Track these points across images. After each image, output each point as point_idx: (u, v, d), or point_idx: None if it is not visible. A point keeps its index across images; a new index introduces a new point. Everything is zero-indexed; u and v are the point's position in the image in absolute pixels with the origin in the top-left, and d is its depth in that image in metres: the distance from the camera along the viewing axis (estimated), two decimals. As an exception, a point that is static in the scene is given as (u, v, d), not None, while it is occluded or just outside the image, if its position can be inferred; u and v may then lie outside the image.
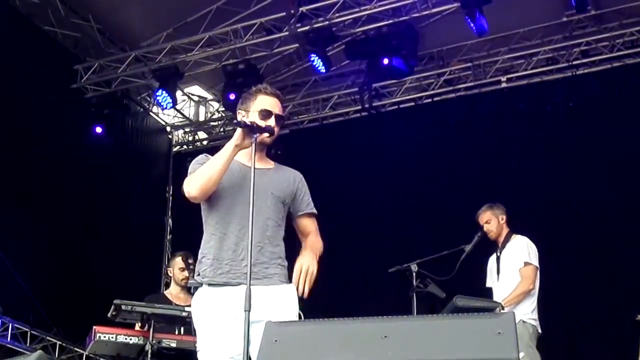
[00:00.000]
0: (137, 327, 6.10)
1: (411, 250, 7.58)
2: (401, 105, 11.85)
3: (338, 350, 2.75)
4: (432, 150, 11.02)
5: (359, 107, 11.84)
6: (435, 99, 11.65)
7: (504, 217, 7.45)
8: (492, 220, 7.40)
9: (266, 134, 4.12)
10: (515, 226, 7.53)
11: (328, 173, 11.29)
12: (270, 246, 4.11)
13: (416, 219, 10.74)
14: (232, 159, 4.05)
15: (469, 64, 11.34)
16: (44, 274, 10.10)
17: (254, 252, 3.84)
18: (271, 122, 4.22)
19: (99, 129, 11.22)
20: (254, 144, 4.03)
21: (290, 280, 3.99)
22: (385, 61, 9.90)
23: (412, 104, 11.82)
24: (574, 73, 10.78)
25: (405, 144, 11.11)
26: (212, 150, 13.24)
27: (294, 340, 2.81)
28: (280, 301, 3.93)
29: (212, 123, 13.58)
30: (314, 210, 4.34)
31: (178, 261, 6.95)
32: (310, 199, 4.35)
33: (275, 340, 2.78)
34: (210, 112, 13.56)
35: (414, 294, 6.49)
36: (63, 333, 11.05)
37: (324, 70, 10.31)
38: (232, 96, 10.60)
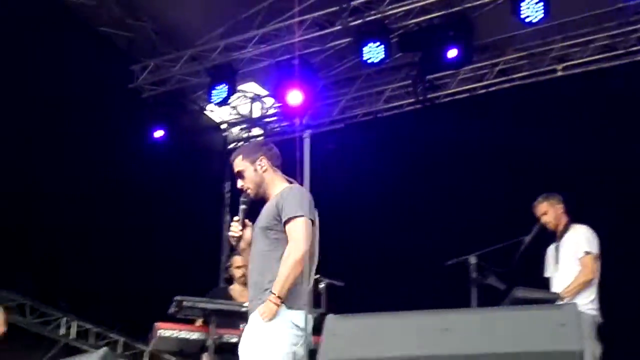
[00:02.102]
0: (199, 322, 6.15)
1: (469, 242, 7.53)
2: (456, 97, 11.76)
3: (398, 344, 2.75)
4: (488, 140, 10.91)
5: (413, 100, 11.80)
6: (490, 89, 11.54)
7: (561, 206, 7.33)
8: (549, 211, 7.29)
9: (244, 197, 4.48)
10: (579, 213, 7.41)
11: (382, 166, 11.30)
12: (258, 276, 4.29)
13: (474, 210, 10.66)
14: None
15: (524, 53, 11.21)
16: (106, 272, 10.27)
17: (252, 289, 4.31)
18: (239, 183, 4.53)
19: (157, 132, 11.37)
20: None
21: None
22: (441, 52, 9.85)
23: (467, 94, 11.73)
24: (631, 60, 10.59)
25: (460, 135, 11.04)
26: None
27: (354, 333, 2.82)
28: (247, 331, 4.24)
29: (266, 119, 13.64)
30: (289, 216, 4.28)
31: (236, 259, 6.99)
32: (291, 205, 4.31)
33: (336, 334, 2.79)
34: (265, 109, 13.62)
35: (473, 287, 6.43)
36: (125, 330, 11.24)
37: (378, 61, 10.25)
38: (293, 97, 10.65)
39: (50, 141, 9.91)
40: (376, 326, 2.86)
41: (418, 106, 11.75)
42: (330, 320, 2.87)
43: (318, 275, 6.30)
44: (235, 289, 6.86)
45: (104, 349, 3.20)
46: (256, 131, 13.86)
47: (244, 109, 13.59)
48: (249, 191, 4.49)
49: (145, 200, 11.24)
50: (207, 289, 7.29)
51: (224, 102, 11.31)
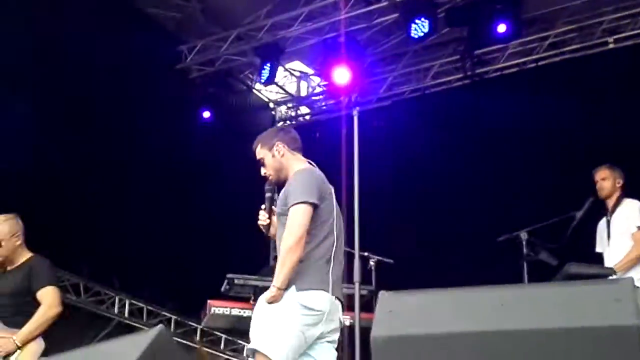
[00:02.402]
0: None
1: (520, 218, 7.46)
2: (504, 72, 11.63)
3: (452, 320, 2.75)
4: (537, 115, 10.78)
5: (461, 75, 11.70)
6: (539, 63, 11.38)
7: (621, 181, 7.22)
8: (608, 179, 7.18)
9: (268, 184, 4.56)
10: (629, 190, 7.30)
11: (431, 143, 11.23)
12: (275, 261, 4.36)
13: (524, 186, 10.56)
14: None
15: (574, 26, 11.03)
16: (158, 251, 10.40)
17: None
18: (262, 171, 4.62)
19: (205, 113, 11.44)
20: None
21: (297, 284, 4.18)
22: (489, 27, 9.74)
23: (516, 69, 11.59)
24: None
25: (509, 110, 10.91)
26: (315, 124, 13.39)
27: (409, 310, 2.82)
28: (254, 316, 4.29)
29: (314, 97, 13.65)
30: (290, 204, 4.29)
31: None
32: (292, 193, 4.32)
33: (390, 311, 2.80)
34: (312, 87, 13.63)
35: (525, 263, 6.39)
36: (177, 308, 11.39)
37: (423, 36, 10.15)
38: (340, 76, 10.64)
39: (98, 122, 10.02)
40: (429, 303, 2.86)
41: (466, 82, 11.64)
42: (384, 297, 2.87)
43: (367, 253, 6.32)
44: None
45: (160, 326, 3.24)
46: (303, 109, 13.89)
47: (291, 88, 13.61)
48: (271, 177, 4.55)
49: (195, 180, 11.33)
50: (258, 267, 7.34)
51: (269, 81, 11.32)
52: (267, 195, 4.56)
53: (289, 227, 4.21)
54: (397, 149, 11.56)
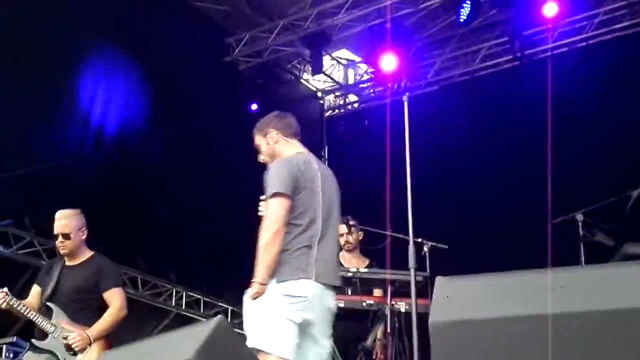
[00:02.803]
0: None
1: (575, 199, 7.37)
2: (554, 52, 11.47)
3: (510, 303, 2.73)
4: (589, 95, 10.63)
5: (511, 57, 11.57)
6: (590, 42, 11.20)
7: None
8: None
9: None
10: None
11: (482, 126, 11.15)
12: None
13: (578, 166, 10.42)
14: None
15: (624, 2, 10.83)
16: (213, 243, 10.50)
17: None
18: (259, 158, 4.67)
19: (254, 105, 11.50)
20: None
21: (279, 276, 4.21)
22: (537, 7, 9.62)
23: (566, 49, 11.42)
24: None
25: (560, 91, 10.76)
26: (363, 112, 13.33)
27: (467, 295, 2.81)
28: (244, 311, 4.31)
29: (361, 85, 13.63)
30: (266, 196, 4.34)
31: (340, 227, 7.02)
32: (267, 185, 4.35)
33: (447, 296, 2.79)
34: (359, 75, 13.60)
35: (581, 244, 6.32)
36: (232, 299, 11.48)
37: (467, 19, 10.05)
38: (387, 63, 10.62)
39: (149, 116, 10.12)
40: (487, 287, 2.84)
41: (515, 63, 11.50)
42: (440, 282, 2.86)
43: (420, 239, 6.30)
44: (343, 256, 6.91)
45: (219, 316, 3.27)
46: (351, 98, 13.87)
47: (339, 76, 13.61)
48: (267, 164, 4.55)
49: (246, 172, 11.37)
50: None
51: (317, 71, 11.34)
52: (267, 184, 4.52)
53: (265, 222, 4.23)
54: (447, 134, 11.50)
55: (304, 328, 4.22)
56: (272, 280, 4.15)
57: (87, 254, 5.68)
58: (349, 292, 6.13)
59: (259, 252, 4.19)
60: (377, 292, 6.22)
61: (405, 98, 4.87)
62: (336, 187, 4.60)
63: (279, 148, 4.55)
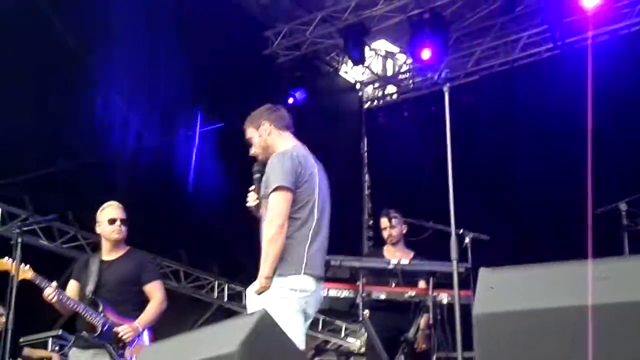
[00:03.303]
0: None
1: (618, 189, 7.29)
2: (596, 40, 11.32)
3: (555, 295, 2.71)
4: (632, 83, 10.48)
5: (551, 46, 11.45)
6: (632, 29, 11.04)
7: None
8: None
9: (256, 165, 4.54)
10: None
11: (522, 117, 11.06)
12: (262, 245, 4.34)
13: (622, 155, 10.30)
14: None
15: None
16: (253, 236, 10.52)
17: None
18: (250, 151, 4.63)
19: (294, 97, 11.52)
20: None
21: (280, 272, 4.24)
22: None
23: (607, 37, 11.26)
24: None
25: (602, 78, 10.63)
26: (403, 103, 13.25)
27: (510, 286, 2.79)
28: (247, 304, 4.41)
29: (400, 76, 13.59)
30: (268, 190, 4.32)
31: (382, 221, 7.02)
32: (269, 178, 4.34)
33: (491, 287, 2.78)
34: (398, 66, 13.56)
35: (625, 234, 6.25)
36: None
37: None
38: (426, 54, 10.60)
39: (187, 108, 10.18)
40: (531, 278, 2.83)
41: (556, 52, 11.38)
42: (484, 273, 2.85)
43: (462, 230, 6.27)
44: (388, 249, 6.92)
45: (262, 309, 3.30)
46: (390, 89, 13.83)
47: (377, 67, 13.57)
48: (259, 157, 4.56)
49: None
50: (351, 247, 7.37)
51: (357, 62, 11.34)
52: (256, 176, 4.55)
53: (269, 216, 4.23)
54: (487, 124, 11.42)
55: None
56: (275, 274, 4.18)
57: (125, 247, 5.74)
58: (392, 284, 6.13)
59: (263, 247, 4.21)
60: (420, 284, 6.22)
61: (445, 88, 4.84)
62: (327, 182, 4.65)
63: (272, 140, 4.55)
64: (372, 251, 6.84)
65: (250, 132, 4.60)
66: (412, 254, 6.75)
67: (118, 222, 5.61)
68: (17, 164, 8.56)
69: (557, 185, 10.50)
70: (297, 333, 4.09)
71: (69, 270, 8.63)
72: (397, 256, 6.69)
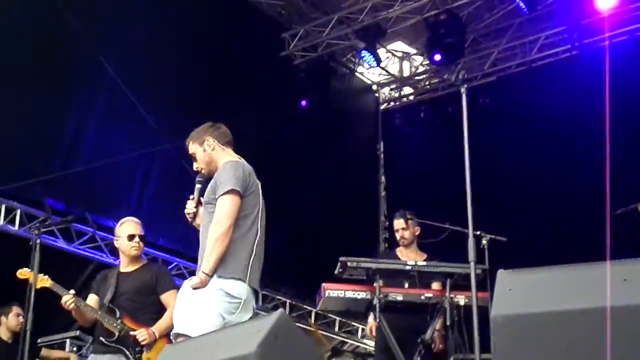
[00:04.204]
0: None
1: (635, 190, 7.26)
2: (614, 40, 11.26)
3: (575, 296, 2.71)
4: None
5: (568, 47, 11.40)
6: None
7: None
8: None
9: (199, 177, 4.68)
10: None
11: (539, 118, 11.02)
12: (200, 249, 4.49)
13: (638, 156, 10.24)
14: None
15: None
16: (270, 237, 10.54)
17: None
18: (194, 166, 4.74)
19: (310, 98, 11.54)
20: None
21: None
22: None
23: (625, 37, 11.20)
24: None
25: (619, 79, 10.57)
26: (419, 104, 13.18)
27: (528, 288, 2.79)
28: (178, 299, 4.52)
29: (417, 77, 13.57)
30: (219, 193, 4.43)
31: (396, 223, 7.03)
32: (221, 182, 4.46)
33: (509, 289, 2.78)
34: (415, 67, 13.54)
35: (644, 235, 6.22)
36: (291, 292, 11.54)
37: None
38: (437, 57, 10.62)
39: (205, 111, 10.19)
40: (549, 279, 2.82)
41: (574, 53, 11.33)
42: (502, 275, 2.85)
43: (479, 232, 6.26)
44: (400, 250, 6.92)
45: (280, 310, 3.32)
46: (407, 90, 13.82)
47: (394, 69, 13.56)
48: (202, 171, 4.69)
49: (303, 166, 11.43)
50: (367, 248, 7.36)
51: (375, 64, 11.33)
52: (198, 186, 4.70)
53: (218, 217, 4.35)
54: (504, 125, 11.39)
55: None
56: (213, 275, 4.29)
57: (143, 261, 5.90)
58: (405, 285, 6.14)
59: (208, 245, 4.31)
60: (436, 286, 6.21)
61: (463, 89, 4.83)
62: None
63: (217, 155, 4.68)
64: (386, 253, 6.83)
65: (194, 148, 4.73)
66: (425, 256, 6.75)
67: (137, 238, 5.75)
68: (36, 165, 8.61)
69: (575, 186, 10.46)
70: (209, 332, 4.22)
71: (87, 272, 8.74)
72: (410, 257, 6.69)
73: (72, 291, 5.57)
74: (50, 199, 8.69)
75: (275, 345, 3.10)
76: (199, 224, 4.62)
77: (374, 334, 6.50)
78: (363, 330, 12.47)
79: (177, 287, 5.89)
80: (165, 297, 5.70)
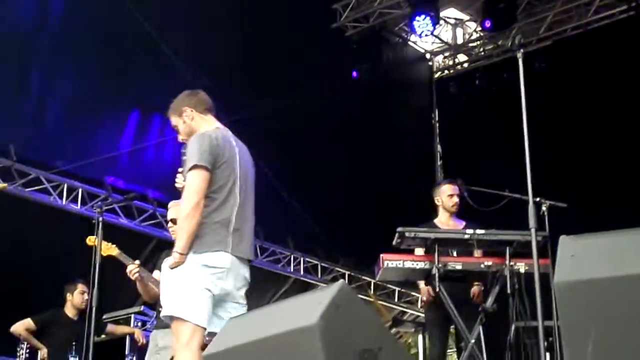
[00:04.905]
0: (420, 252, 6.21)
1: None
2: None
3: (638, 260, 2.67)
4: None
5: (625, 7, 11.15)
6: None
7: None
8: None
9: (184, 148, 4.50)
10: None
11: (598, 81, 10.83)
12: None
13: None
14: None
15: None
16: (328, 208, 10.61)
17: None
18: (179, 138, 4.66)
19: (363, 68, 11.49)
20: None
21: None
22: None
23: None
24: None
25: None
26: (474, 72, 13.01)
27: (592, 253, 2.75)
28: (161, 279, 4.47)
29: (471, 44, 13.41)
30: (186, 169, 4.36)
31: (445, 189, 6.99)
32: (188, 157, 4.37)
33: (572, 255, 2.75)
34: (468, 34, 13.38)
35: None
36: (349, 264, 11.59)
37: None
38: (487, 23, 10.48)
39: (260, 86, 10.22)
40: (614, 244, 2.78)
41: (631, 13, 11.08)
42: (565, 241, 2.81)
43: (539, 198, 6.19)
44: (440, 219, 6.89)
45: (341, 281, 3.33)
46: (461, 57, 13.68)
47: (447, 36, 13.42)
48: (187, 142, 4.57)
49: (356, 136, 11.42)
50: (424, 218, 7.33)
51: (428, 32, 11.22)
52: (184, 158, 4.55)
53: (185, 193, 4.31)
54: (561, 90, 11.21)
55: (222, 297, 4.34)
56: (190, 252, 4.25)
57: None
58: (454, 254, 6.13)
59: (179, 223, 4.32)
60: (476, 254, 6.18)
61: (519, 54, 4.77)
62: (252, 162, 4.66)
63: (197, 125, 4.59)
64: (425, 225, 6.77)
65: (175, 121, 4.66)
66: (464, 223, 6.73)
67: (170, 224, 5.78)
68: (96, 144, 8.76)
69: (634, 151, 10.28)
70: (201, 309, 4.22)
71: (148, 248, 8.89)
72: (450, 225, 6.70)
73: (137, 261, 5.66)
74: (110, 177, 8.84)
75: (338, 316, 3.11)
76: None
77: (432, 293, 6.44)
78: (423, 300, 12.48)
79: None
80: None
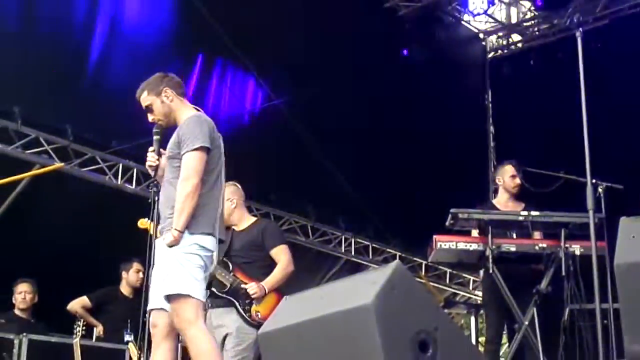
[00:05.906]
0: (474, 233, 6.18)
1: None
2: None
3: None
4: None
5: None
6: None
7: None
8: None
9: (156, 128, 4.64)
10: None
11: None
12: (162, 206, 4.50)
13: None
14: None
15: None
16: (379, 190, 10.60)
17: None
18: (149, 117, 4.67)
19: (416, 48, 11.43)
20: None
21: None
22: None
23: None
24: None
25: None
26: (528, 52, 12.90)
27: (653, 234, 2.72)
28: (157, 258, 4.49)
29: (525, 24, 13.23)
30: (185, 150, 4.40)
31: (508, 169, 6.91)
32: (187, 137, 4.40)
33: (633, 236, 2.71)
34: (523, 13, 13.20)
35: None
36: (400, 245, 11.57)
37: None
38: (539, 2, 10.33)
39: (312, 66, 10.21)
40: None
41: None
42: (625, 222, 2.78)
43: (595, 180, 6.11)
44: (500, 200, 6.82)
45: (396, 261, 3.33)
46: (515, 37, 13.50)
47: (501, 15, 13.26)
48: (160, 122, 4.63)
49: (411, 117, 11.37)
50: (477, 199, 7.28)
51: (482, 9, 11.11)
52: (156, 137, 4.64)
53: (186, 173, 4.35)
54: (619, 68, 11.00)
55: (206, 279, 4.48)
56: (186, 231, 4.32)
57: (251, 219, 6.09)
58: (512, 236, 6.08)
59: (178, 202, 4.33)
60: (535, 235, 6.12)
61: (578, 33, 4.70)
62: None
63: (175, 106, 4.63)
64: (483, 205, 6.72)
65: (150, 100, 4.65)
66: (523, 205, 6.64)
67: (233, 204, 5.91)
68: (150, 124, 8.83)
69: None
70: (200, 285, 4.32)
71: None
72: (509, 207, 6.62)
73: None
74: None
75: (393, 296, 3.11)
76: (161, 176, 4.61)
77: None
78: (474, 282, 12.41)
79: (285, 242, 6.05)
80: (275, 253, 5.83)
